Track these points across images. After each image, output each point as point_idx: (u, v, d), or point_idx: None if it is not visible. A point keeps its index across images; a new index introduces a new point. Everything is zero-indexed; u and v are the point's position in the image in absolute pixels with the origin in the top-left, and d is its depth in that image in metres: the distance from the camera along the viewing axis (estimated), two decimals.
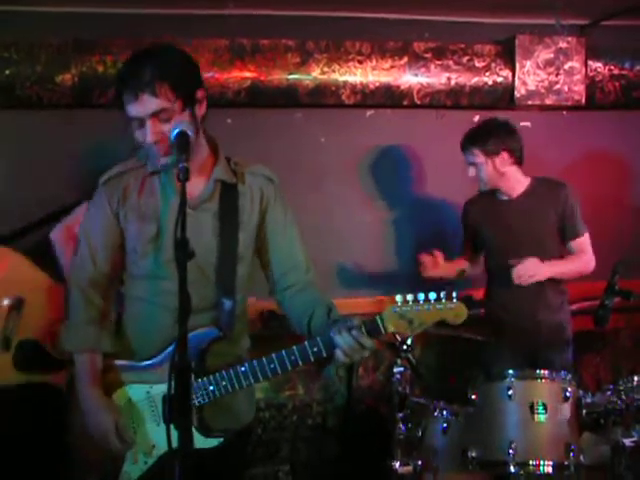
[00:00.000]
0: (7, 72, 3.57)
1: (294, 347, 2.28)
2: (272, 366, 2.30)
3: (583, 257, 3.71)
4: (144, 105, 2.22)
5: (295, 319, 2.50)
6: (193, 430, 1.90)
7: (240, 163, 2.51)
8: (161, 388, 2.33)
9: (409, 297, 2.17)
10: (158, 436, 2.37)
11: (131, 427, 2.40)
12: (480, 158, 3.64)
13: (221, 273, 2.41)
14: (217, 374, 2.35)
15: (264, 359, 2.31)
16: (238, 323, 2.47)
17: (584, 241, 3.72)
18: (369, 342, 2.20)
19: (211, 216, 2.41)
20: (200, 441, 2.31)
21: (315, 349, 2.26)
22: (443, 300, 2.17)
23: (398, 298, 2.18)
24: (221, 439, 2.37)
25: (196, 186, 2.38)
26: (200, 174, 2.41)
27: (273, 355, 2.30)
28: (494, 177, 3.67)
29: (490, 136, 3.63)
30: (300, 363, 2.28)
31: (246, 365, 2.33)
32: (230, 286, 2.42)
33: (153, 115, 2.23)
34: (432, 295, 2.17)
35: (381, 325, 2.20)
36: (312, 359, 2.27)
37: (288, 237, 2.56)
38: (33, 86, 3.62)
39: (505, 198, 3.76)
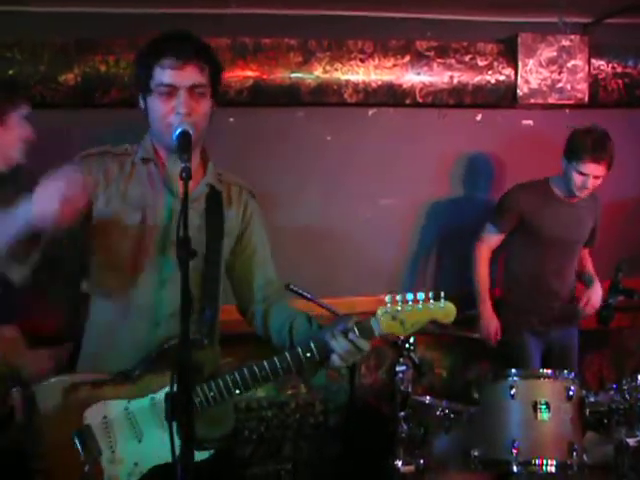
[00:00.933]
0: (10, 72, 3.57)
1: (286, 353, 2.25)
2: (264, 373, 2.24)
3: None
4: (187, 75, 2.24)
5: (274, 330, 2.46)
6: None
7: (224, 174, 2.52)
8: (141, 403, 2.27)
9: (398, 297, 2.16)
10: (140, 453, 2.27)
11: (109, 446, 2.27)
12: (604, 171, 3.74)
13: (206, 276, 2.37)
14: (204, 385, 2.26)
15: (254, 366, 2.25)
16: (217, 330, 2.44)
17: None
18: (365, 345, 2.19)
19: (198, 216, 2.38)
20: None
21: (309, 354, 2.22)
22: (431, 299, 2.17)
23: (387, 298, 2.16)
24: (212, 450, 2.30)
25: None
26: (194, 173, 2.36)
27: (264, 362, 2.25)
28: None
29: (612, 151, 3.74)
30: (293, 369, 2.24)
31: (235, 373, 2.26)
32: (214, 291, 2.39)
33: (190, 88, 2.25)
34: (420, 295, 2.15)
35: (375, 327, 2.18)
36: (304, 364, 2.23)
37: (267, 251, 2.59)
38: (37, 86, 3.62)
39: (566, 198, 3.89)
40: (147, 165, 2.39)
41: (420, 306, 2.16)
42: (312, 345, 2.22)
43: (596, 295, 3.85)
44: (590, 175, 3.71)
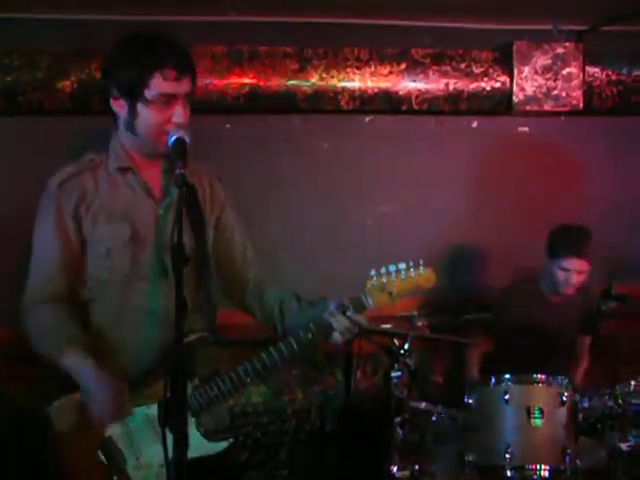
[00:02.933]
0: (8, 79, 3.60)
1: (289, 338, 2.35)
2: (272, 358, 2.34)
3: None
4: (184, 86, 2.28)
5: (263, 310, 2.56)
6: (200, 438, 1.92)
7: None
8: (153, 409, 2.29)
9: (382, 270, 2.32)
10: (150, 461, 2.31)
11: (134, 454, 2.32)
12: (587, 266, 3.76)
13: (199, 273, 2.40)
14: (217, 378, 2.36)
15: (263, 354, 2.35)
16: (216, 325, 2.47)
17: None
18: (361, 319, 2.34)
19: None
20: (211, 447, 2.34)
21: (310, 335, 2.34)
22: (412, 268, 2.34)
23: (373, 272, 2.32)
24: (230, 439, 2.39)
25: (161, 186, 2.41)
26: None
27: (270, 348, 2.35)
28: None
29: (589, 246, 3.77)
30: (298, 352, 2.34)
31: (246, 364, 2.35)
32: (209, 286, 2.41)
33: (184, 97, 2.29)
34: (402, 265, 2.33)
35: (366, 301, 2.33)
36: (306, 344, 2.35)
37: (242, 233, 2.63)
38: (34, 92, 3.64)
39: (556, 295, 3.90)
40: (124, 174, 2.38)
41: (404, 276, 2.32)
42: (312, 326, 2.33)
43: None
44: (573, 270, 3.76)
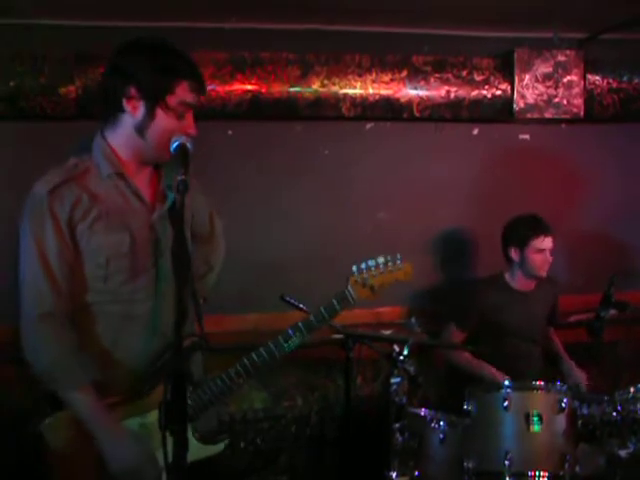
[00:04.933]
0: (11, 84, 3.62)
1: (278, 337, 2.43)
2: (262, 358, 2.40)
3: None
4: (199, 100, 2.33)
5: None
6: (196, 442, 1.92)
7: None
8: (155, 415, 2.24)
9: (363, 265, 2.46)
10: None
11: None
12: (554, 244, 3.91)
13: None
14: (209, 382, 2.38)
15: (252, 354, 2.41)
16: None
17: None
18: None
19: (168, 222, 2.35)
20: (209, 449, 2.37)
21: (299, 335, 2.43)
22: (390, 263, 2.47)
23: (354, 269, 2.46)
24: (227, 440, 2.42)
25: (149, 192, 2.41)
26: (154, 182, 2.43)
27: (260, 348, 2.42)
28: None
29: None
30: (286, 349, 2.42)
31: (236, 365, 2.39)
32: (193, 290, 2.39)
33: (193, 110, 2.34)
34: (380, 260, 2.47)
35: (349, 296, 2.47)
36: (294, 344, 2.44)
37: (211, 219, 2.68)
38: (37, 98, 3.66)
39: (523, 289, 4.01)
40: (115, 179, 2.34)
41: (383, 270, 2.47)
42: (301, 326, 2.45)
43: (580, 374, 3.99)
44: (547, 249, 3.88)
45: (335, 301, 2.46)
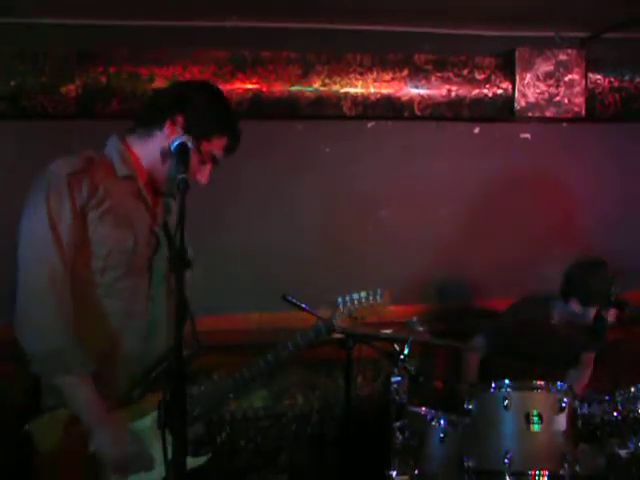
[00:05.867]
0: (12, 83, 3.63)
1: (277, 346, 2.54)
2: (258, 368, 2.50)
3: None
4: (222, 158, 2.44)
5: None
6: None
7: None
8: (143, 422, 2.31)
9: (347, 298, 2.64)
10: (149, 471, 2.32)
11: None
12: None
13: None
14: (228, 380, 2.47)
15: (244, 369, 2.48)
16: None
17: None
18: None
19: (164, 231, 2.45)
20: (191, 462, 2.30)
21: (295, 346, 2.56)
22: (371, 297, 2.66)
23: (339, 300, 2.64)
24: (209, 454, 2.44)
25: (153, 201, 2.47)
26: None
27: (257, 359, 2.51)
28: None
29: None
30: (281, 358, 2.54)
31: (229, 379, 2.47)
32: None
33: None
34: (363, 294, 2.65)
35: (335, 324, 2.62)
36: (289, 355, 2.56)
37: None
38: (38, 96, 3.67)
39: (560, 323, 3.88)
40: (129, 181, 2.40)
41: (365, 304, 2.66)
42: (298, 337, 2.57)
43: None
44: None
45: (323, 326, 2.60)
